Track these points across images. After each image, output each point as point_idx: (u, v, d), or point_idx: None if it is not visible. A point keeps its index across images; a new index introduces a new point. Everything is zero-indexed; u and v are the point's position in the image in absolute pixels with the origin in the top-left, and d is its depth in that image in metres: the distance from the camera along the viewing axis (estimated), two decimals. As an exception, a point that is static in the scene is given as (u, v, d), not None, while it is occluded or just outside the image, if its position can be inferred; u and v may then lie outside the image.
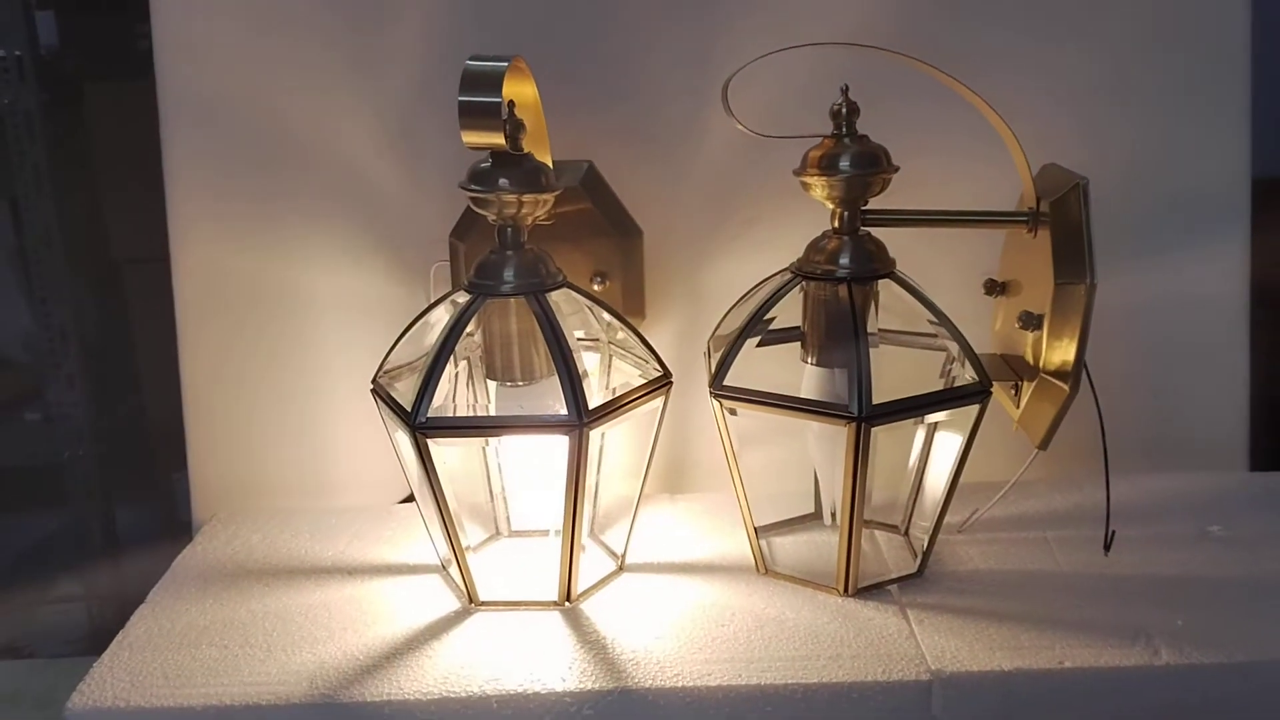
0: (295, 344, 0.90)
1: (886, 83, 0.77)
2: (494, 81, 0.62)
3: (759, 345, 0.71)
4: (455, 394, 0.78)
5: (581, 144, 0.84)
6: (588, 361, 0.79)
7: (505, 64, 0.63)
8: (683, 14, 0.85)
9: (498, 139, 0.64)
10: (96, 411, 1.61)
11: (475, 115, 0.63)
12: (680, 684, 0.64)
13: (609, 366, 0.79)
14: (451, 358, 0.69)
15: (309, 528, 0.84)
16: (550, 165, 0.76)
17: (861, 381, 0.66)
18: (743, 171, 0.86)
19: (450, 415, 0.68)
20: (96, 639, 1.43)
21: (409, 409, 0.67)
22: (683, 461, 0.91)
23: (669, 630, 0.69)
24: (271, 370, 0.90)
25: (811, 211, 0.74)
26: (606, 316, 0.75)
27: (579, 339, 0.78)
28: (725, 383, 0.71)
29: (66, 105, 1.59)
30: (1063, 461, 0.84)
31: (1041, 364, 0.69)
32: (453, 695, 0.63)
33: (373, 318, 0.88)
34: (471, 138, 0.64)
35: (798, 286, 0.71)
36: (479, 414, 0.73)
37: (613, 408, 0.69)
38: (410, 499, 0.80)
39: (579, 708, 0.63)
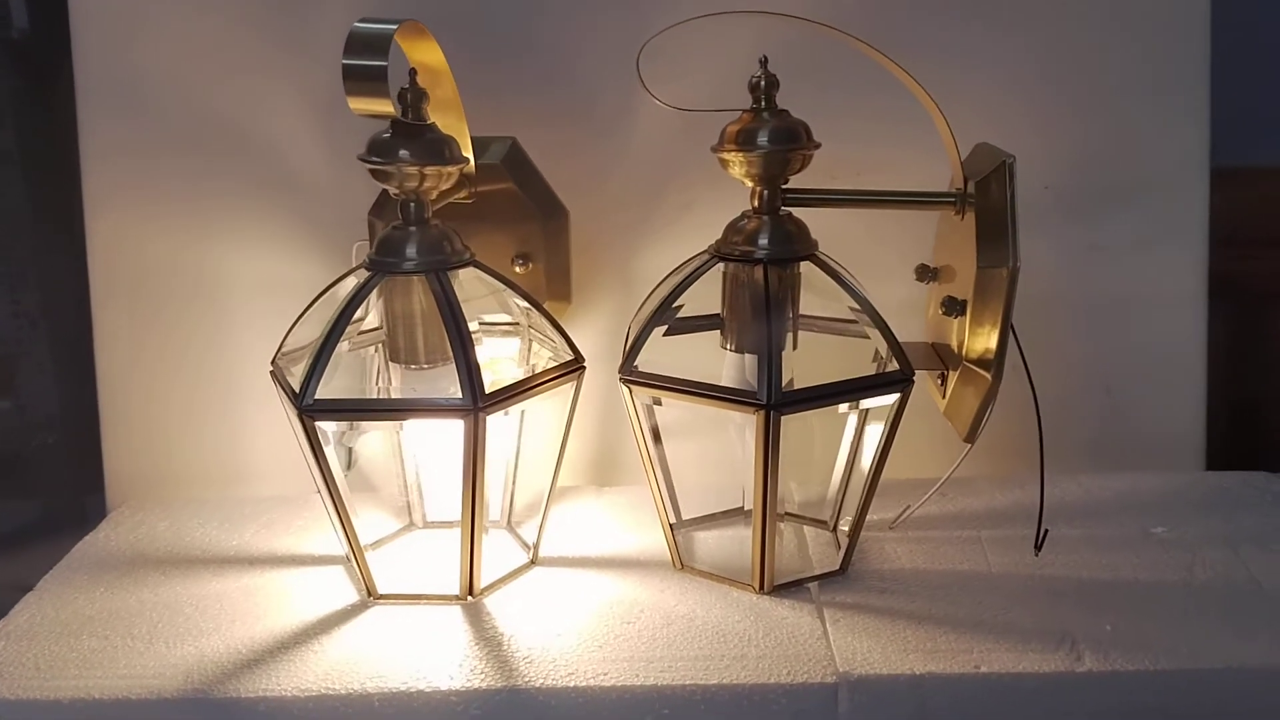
0: (215, 328, 0.87)
1: (828, 66, 0.74)
2: (380, 44, 0.59)
3: (665, 335, 0.67)
4: (378, 376, 0.75)
5: (507, 121, 0.81)
6: (507, 347, 0.76)
7: (393, 27, 0.60)
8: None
9: (385, 106, 0.60)
10: (66, 400, 1.59)
11: (359, 79, 0.59)
12: (573, 683, 0.60)
13: (529, 351, 0.76)
14: (345, 338, 0.66)
15: (219, 516, 0.81)
16: (466, 138, 0.73)
17: (771, 367, 0.62)
18: (679, 154, 0.83)
19: (338, 398, 0.65)
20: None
21: (297, 392, 0.64)
22: (615, 453, 0.87)
23: (570, 627, 0.65)
24: (190, 355, 0.87)
25: (747, 198, 0.70)
26: (520, 300, 0.71)
27: (495, 323, 0.75)
28: (637, 368, 0.67)
29: (41, 90, 1.57)
30: (1007, 458, 0.81)
31: (964, 352, 0.66)
32: (332, 692, 0.60)
33: (296, 300, 0.84)
34: (358, 104, 0.60)
35: (714, 268, 0.68)
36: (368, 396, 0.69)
37: (513, 392, 0.66)
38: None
39: (465, 707, 0.60)
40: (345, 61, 0.59)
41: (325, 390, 0.65)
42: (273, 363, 0.71)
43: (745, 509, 0.78)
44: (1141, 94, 0.84)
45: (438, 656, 0.63)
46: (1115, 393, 0.87)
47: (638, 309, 0.73)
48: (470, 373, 0.63)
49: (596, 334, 0.84)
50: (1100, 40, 0.83)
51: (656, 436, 0.73)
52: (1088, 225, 0.86)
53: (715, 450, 0.73)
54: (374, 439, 0.80)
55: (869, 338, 0.68)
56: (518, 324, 0.75)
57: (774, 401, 0.62)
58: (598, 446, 0.87)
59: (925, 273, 0.73)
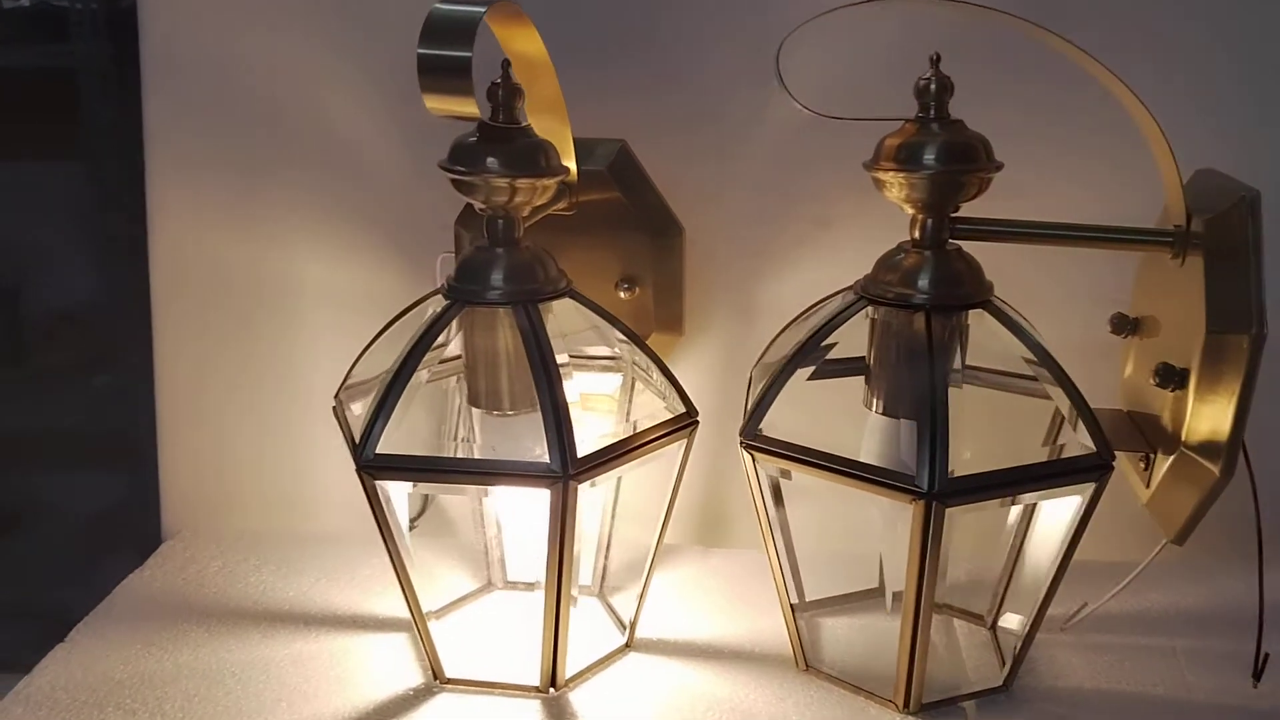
0: (281, 342, 0.78)
1: (995, 60, 0.61)
2: (465, 31, 0.48)
3: (810, 379, 0.55)
4: (458, 415, 0.65)
5: (617, 122, 0.69)
6: (607, 384, 0.65)
7: (482, 10, 0.49)
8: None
9: (468, 107, 0.50)
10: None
11: (437, 74, 0.49)
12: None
13: (631, 392, 0.65)
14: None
15: (277, 557, 0.72)
16: (569, 141, 0.62)
17: (936, 446, 0.49)
18: (815, 161, 0.71)
19: (405, 454, 0.54)
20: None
21: (356, 441, 0.54)
22: (723, 507, 0.76)
23: (666, 743, 0.54)
24: (254, 370, 0.78)
25: (901, 215, 0.57)
26: (619, 335, 0.60)
27: (594, 357, 0.64)
28: (765, 429, 0.55)
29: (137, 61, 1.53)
30: (1212, 540, 0.66)
31: (1184, 435, 0.52)
32: (379, 813, 0.50)
33: (368, 315, 0.74)
34: (435, 103, 0.50)
35: (862, 312, 0.55)
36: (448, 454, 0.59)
37: (613, 454, 0.55)
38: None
39: (536, 843, 0.49)
40: (420, 51, 0.48)
41: (393, 437, 0.55)
42: (335, 397, 0.61)
43: (882, 591, 0.65)
44: None
45: (507, 772, 0.52)
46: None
47: (760, 355, 0.61)
48: (560, 431, 0.52)
49: (709, 371, 0.73)
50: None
51: (778, 498, 0.62)
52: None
53: (843, 512, 0.61)
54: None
55: (1049, 398, 0.55)
56: (618, 358, 0.64)
57: (939, 490, 0.49)
58: (704, 498, 0.76)
59: (1124, 324, 0.59)
